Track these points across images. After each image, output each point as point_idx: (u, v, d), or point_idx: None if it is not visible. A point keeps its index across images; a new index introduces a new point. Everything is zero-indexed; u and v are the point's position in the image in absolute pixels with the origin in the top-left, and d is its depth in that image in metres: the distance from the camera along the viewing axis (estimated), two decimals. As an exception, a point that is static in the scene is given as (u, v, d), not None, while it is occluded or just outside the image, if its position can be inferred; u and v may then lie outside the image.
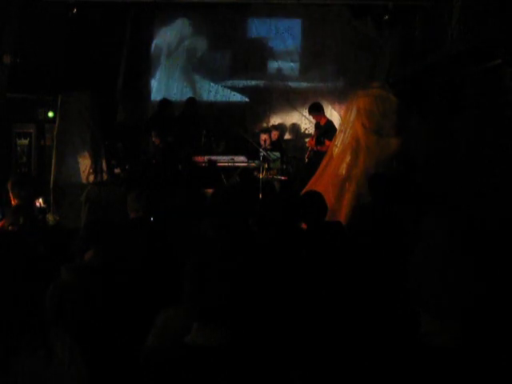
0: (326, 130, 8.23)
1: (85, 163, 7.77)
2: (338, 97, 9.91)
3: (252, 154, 8.51)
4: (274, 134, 9.14)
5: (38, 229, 4.03)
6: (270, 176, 8.23)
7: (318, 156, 7.91)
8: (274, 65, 10.29)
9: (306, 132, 10.09)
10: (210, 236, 3.36)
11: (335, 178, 6.92)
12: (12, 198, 4.44)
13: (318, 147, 8.16)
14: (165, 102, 8.92)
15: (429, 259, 1.86)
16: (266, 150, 8.46)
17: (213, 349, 1.81)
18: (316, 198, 4.01)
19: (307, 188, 6.80)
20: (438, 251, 1.88)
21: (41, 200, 5.57)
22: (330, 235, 3.63)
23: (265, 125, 10.15)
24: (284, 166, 8.60)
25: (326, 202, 3.98)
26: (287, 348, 2.28)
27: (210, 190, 6.49)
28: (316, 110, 8.40)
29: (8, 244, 1.87)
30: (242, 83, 10.24)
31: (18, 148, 7.11)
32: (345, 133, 7.13)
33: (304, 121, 10.10)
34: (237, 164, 8.47)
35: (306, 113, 9.24)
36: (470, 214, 4.81)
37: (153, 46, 10.18)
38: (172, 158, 8.28)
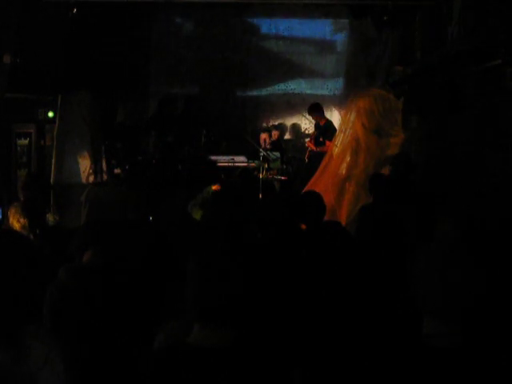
0: (325, 130, 8.23)
1: (85, 163, 7.77)
2: (339, 97, 9.92)
3: (252, 154, 8.51)
4: (274, 134, 9.15)
5: (45, 230, 4.01)
6: (270, 176, 8.23)
7: (317, 156, 7.91)
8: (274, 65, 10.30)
9: (306, 132, 10.09)
10: (210, 236, 3.36)
11: (335, 178, 6.93)
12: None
13: (318, 148, 8.15)
14: (165, 100, 8.89)
15: (430, 260, 1.87)
16: (266, 150, 8.47)
17: (214, 349, 1.81)
18: (314, 197, 4.00)
19: (307, 188, 6.81)
20: (438, 252, 1.89)
21: None
22: (329, 235, 3.62)
23: (265, 125, 10.15)
24: (284, 166, 8.61)
25: (324, 202, 3.97)
26: (288, 348, 2.28)
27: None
28: (315, 111, 8.40)
29: (9, 243, 1.86)
30: (241, 83, 10.24)
31: (18, 148, 7.10)
32: (345, 133, 7.14)
33: (304, 121, 10.10)
34: (237, 164, 8.47)
35: (306, 113, 9.25)
36: (470, 214, 4.81)
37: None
38: (172, 158, 8.27)
